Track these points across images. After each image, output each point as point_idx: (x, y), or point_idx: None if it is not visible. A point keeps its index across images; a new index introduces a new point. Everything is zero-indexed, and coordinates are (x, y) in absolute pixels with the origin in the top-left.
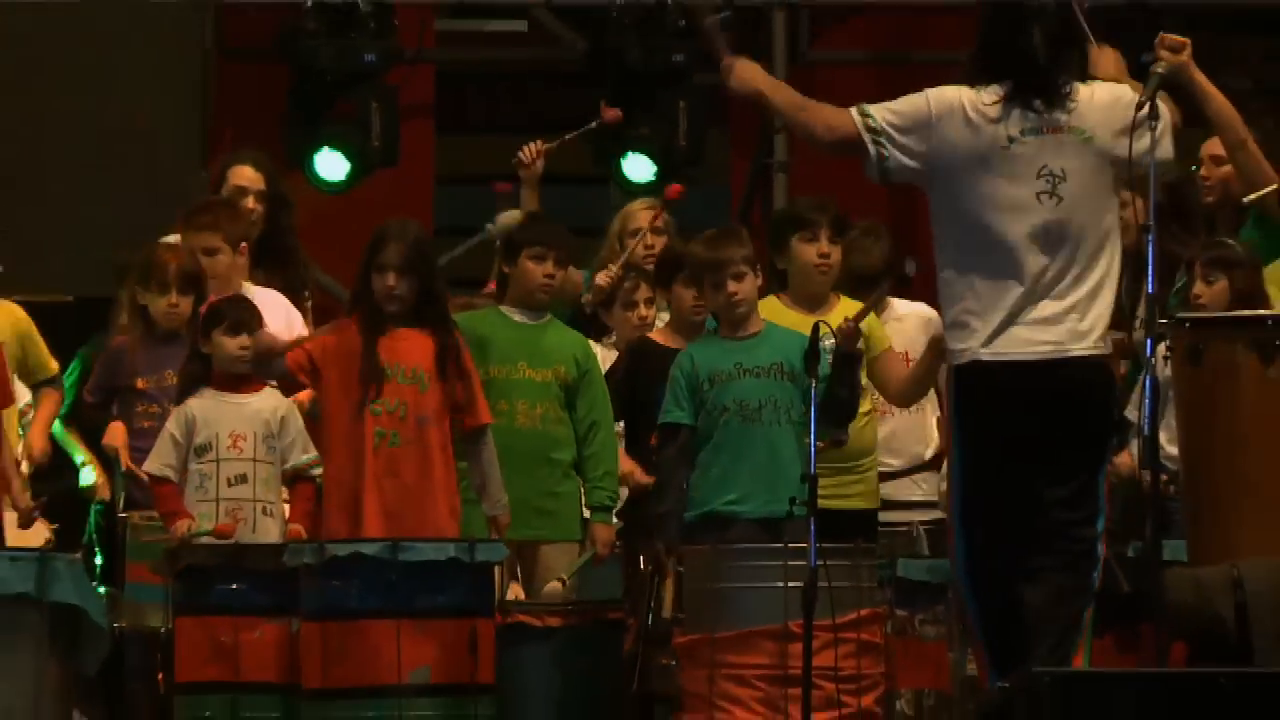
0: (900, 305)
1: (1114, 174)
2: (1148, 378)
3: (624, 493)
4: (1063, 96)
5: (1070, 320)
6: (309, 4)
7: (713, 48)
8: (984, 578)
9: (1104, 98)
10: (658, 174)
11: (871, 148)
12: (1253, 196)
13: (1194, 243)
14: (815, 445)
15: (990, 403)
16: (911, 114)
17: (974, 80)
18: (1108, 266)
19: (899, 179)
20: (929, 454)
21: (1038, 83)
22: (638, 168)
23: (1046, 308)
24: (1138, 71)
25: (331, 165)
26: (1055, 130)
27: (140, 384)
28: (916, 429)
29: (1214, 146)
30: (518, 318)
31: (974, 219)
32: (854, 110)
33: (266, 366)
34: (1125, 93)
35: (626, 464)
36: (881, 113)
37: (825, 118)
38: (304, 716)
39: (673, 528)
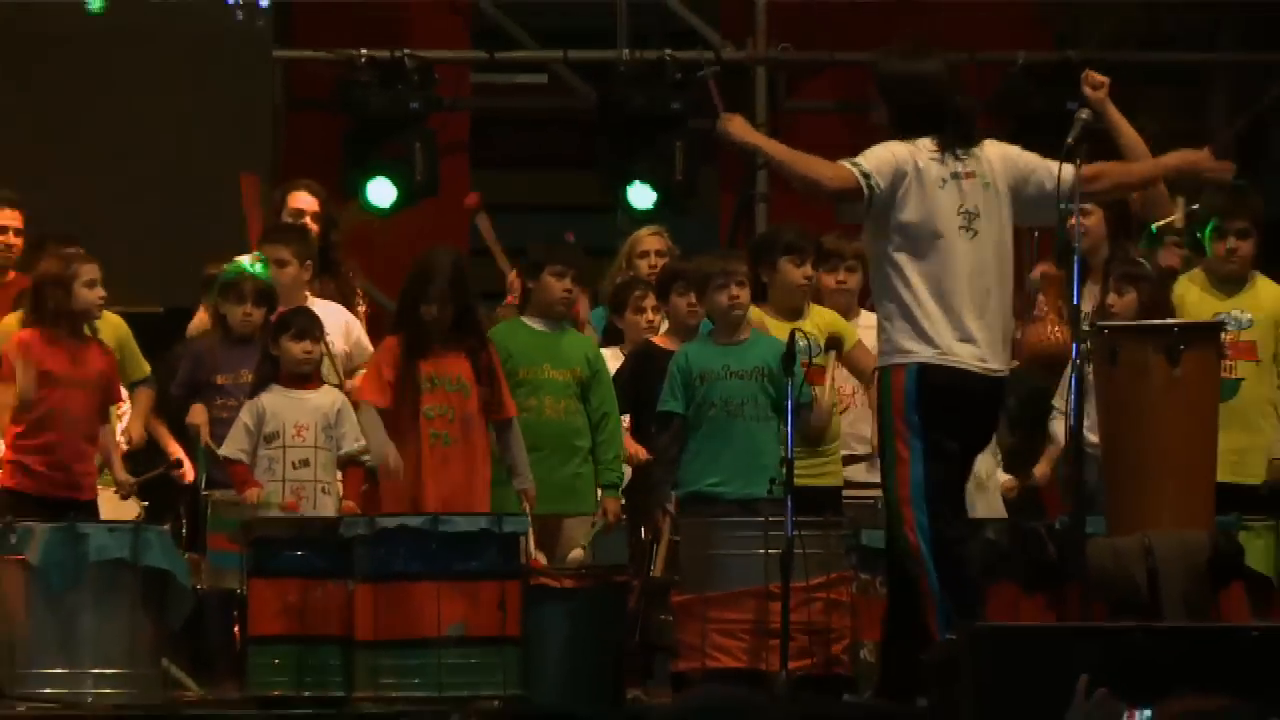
0: (869, 315)
1: (1010, 217)
2: (1073, 376)
3: (629, 473)
4: (972, 145)
5: (999, 344)
6: (363, 60)
7: (711, 101)
8: (943, 546)
9: (997, 153)
10: (657, 202)
11: (866, 192)
12: (1160, 224)
13: (1133, 247)
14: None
15: (952, 401)
16: (883, 163)
17: (906, 137)
18: (1008, 297)
19: (871, 219)
20: None
21: (962, 134)
22: (640, 196)
23: (983, 330)
24: (1065, 115)
25: (381, 194)
26: (969, 175)
27: (220, 380)
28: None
29: None
30: (539, 327)
31: (918, 248)
32: (846, 162)
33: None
34: (1010, 150)
35: (631, 446)
36: (865, 162)
37: (825, 170)
38: (357, 663)
39: (665, 491)
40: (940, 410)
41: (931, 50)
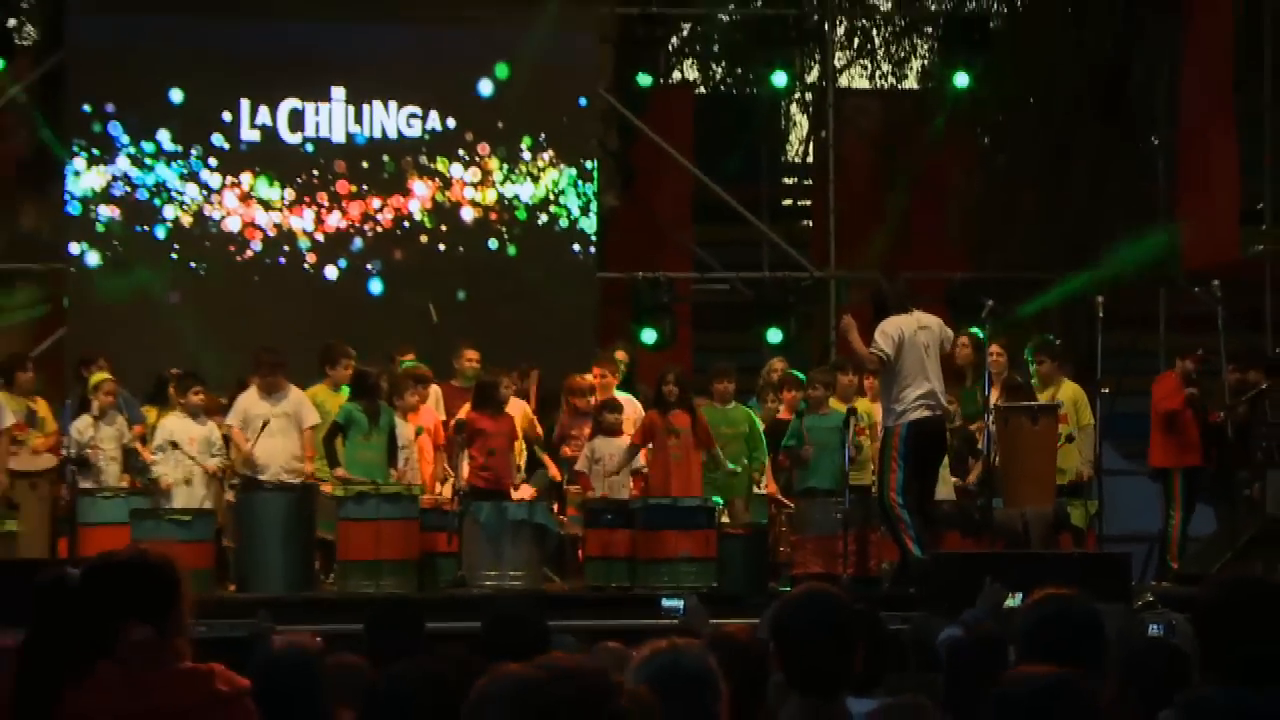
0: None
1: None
2: (988, 430)
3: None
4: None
5: (944, 398)
6: (640, 278)
7: (847, 339)
8: (916, 510)
9: (935, 319)
10: (780, 343)
11: (882, 358)
12: (1028, 355)
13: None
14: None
15: (925, 440)
16: (890, 339)
17: (902, 310)
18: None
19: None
20: None
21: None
22: (773, 337)
23: (939, 394)
24: (979, 305)
25: (649, 339)
26: (925, 328)
27: (573, 433)
28: None
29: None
30: (719, 406)
31: (909, 366)
32: (874, 349)
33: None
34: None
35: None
36: (884, 344)
37: (868, 356)
38: (637, 570)
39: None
40: (918, 445)
41: (896, 272)
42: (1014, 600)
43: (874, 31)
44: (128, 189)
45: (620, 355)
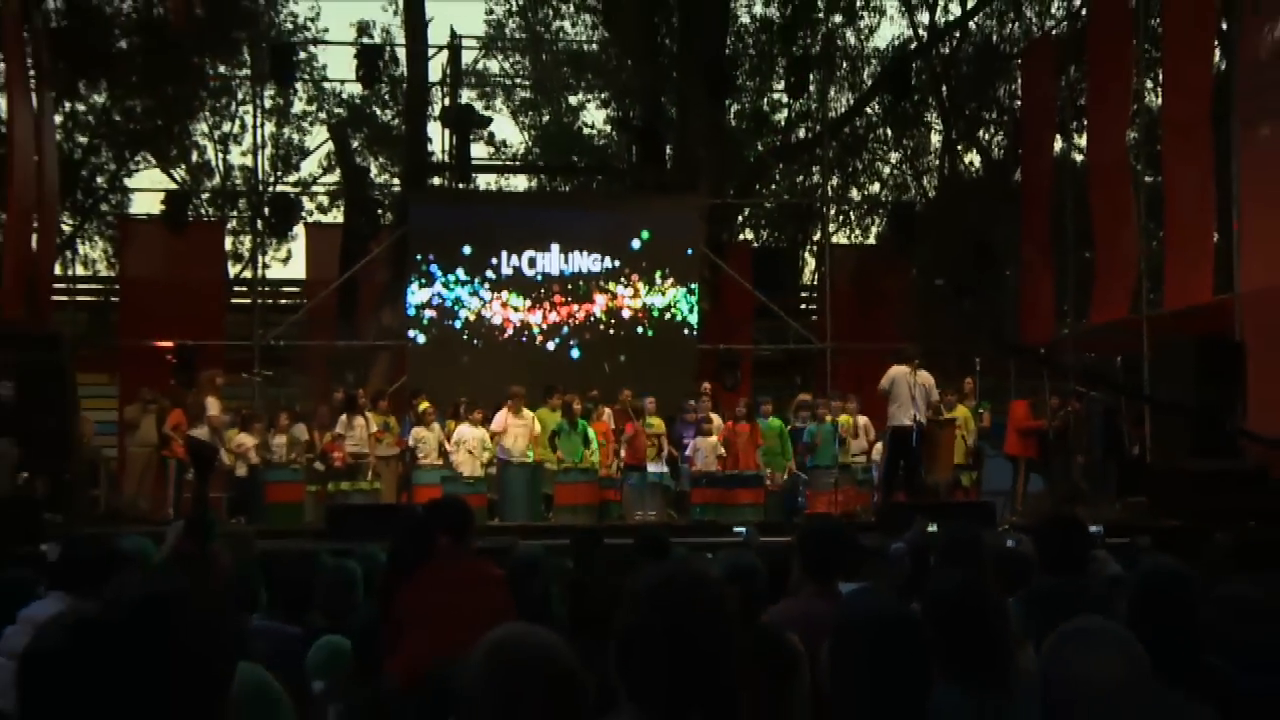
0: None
1: (923, 391)
2: (917, 433)
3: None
4: (918, 368)
5: (922, 414)
6: (720, 347)
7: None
8: (894, 476)
9: (923, 372)
10: (800, 385)
11: (882, 389)
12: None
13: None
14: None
15: (902, 438)
16: (887, 379)
17: (906, 362)
18: (924, 406)
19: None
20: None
21: (916, 366)
22: (800, 389)
23: (918, 411)
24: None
25: (730, 384)
26: (915, 373)
27: (683, 436)
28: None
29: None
30: (765, 420)
31: (899, 395)
32: (881, 383)
33: None
34: (927, 376)
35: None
36: (884, 380)
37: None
38: (721, 511)
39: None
40: (896, 440)
41: (911, 344)
42: (933, 528)
43: (851, 213)
44: (440, 301)
45: (709, 400)
